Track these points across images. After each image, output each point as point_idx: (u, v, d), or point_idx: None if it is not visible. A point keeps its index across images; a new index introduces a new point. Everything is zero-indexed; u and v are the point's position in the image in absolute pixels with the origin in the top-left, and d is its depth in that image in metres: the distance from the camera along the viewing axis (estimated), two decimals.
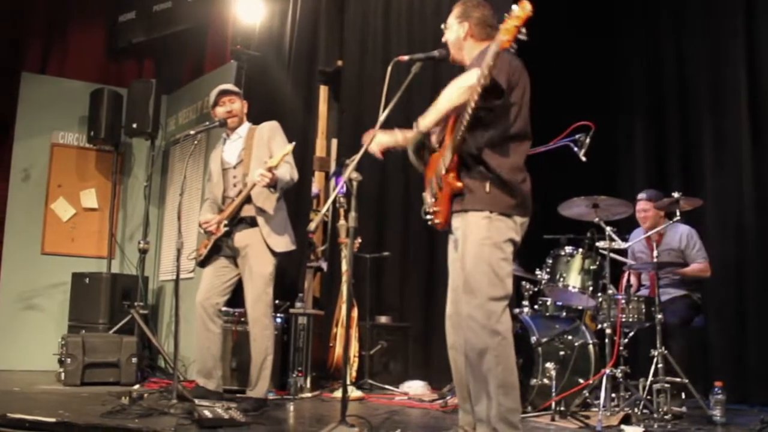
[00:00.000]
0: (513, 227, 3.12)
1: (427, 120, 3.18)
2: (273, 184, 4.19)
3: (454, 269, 3.29)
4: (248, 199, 4.32)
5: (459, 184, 3.15)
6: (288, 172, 4.31)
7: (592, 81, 6.98)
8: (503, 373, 2.99)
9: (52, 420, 3.51)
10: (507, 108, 3.08)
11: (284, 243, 4.38)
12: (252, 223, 4.34)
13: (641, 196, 5.31)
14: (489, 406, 3.02)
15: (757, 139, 5.75)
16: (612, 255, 4.64)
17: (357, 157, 3.21)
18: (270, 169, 4.11)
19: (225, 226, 4.36)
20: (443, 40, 3.36)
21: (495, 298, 3.03)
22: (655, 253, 4.64)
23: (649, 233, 5.06)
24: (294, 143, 4.24)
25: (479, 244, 3.06)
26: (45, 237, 6.76)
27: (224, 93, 4.55)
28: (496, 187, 3.08)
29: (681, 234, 5.17)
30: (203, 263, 4.49)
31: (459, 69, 3.36)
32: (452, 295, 3.31)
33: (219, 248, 4.41)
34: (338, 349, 5.57)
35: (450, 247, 3.32)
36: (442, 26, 3.37)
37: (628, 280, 5.14)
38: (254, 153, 4.38)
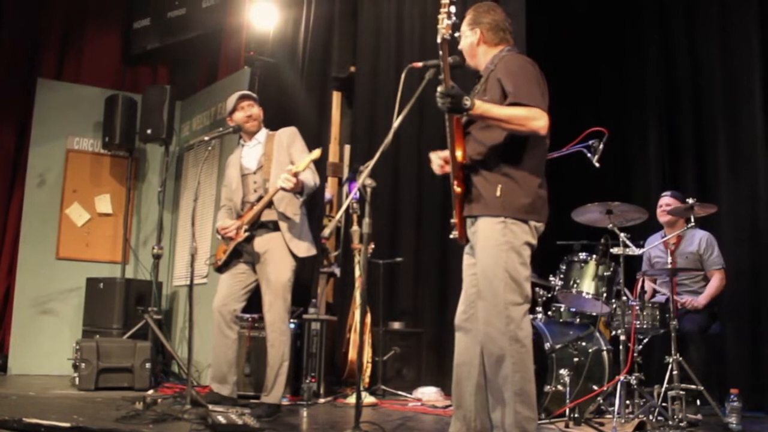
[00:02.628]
0: (528, 231, 3.09)
1: (481, 107, 2.98)
2: (299, 190, 4.22)
3: (468, 276, 3.28)
4: (269, 204, 4.34)
5: (458, 189, 3.14)
6: (311, 177, 4.34)
7: (605, 86, 6.97)
8: (521, 381, 2.97)
9: (67, 425, 3.53)
10: None
11: (306, 248, 4.42)
12: (274, 227, 4.36)
13: (666, 193, 5.31)
14: (504, 413, 3.00)
15: None
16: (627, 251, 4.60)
17: (371, 163, 3.21)
18: (295, 174, 4.13)
19: (245, 231, 4.37)
20: (459, 47, 3.35)
21: (514, 303, 3.01)
22: (669, 259, 4.61)
23: (668, 237, 5.02)
24: (321, 148, 4.27)
25: (495, 249, 3.04)
26: (60, 242, 6.80)
27: (244, 98, 4.58)
28: (510, 192, 3.06)
29: (700, 238, 5.15)
30: (221, 269, 4.51)
31: (474, 74, 3.37)
32: (465, 303, 3.29)
33: (239, 253, 4.42)
34: (352, 355, 5.58)
35: (465, 254, 3.31)
36: (457, 34, 3.37)
37: (642, 286, 5.11)
38: (275, 158, 4.41)
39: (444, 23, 2.87)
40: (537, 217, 3.12)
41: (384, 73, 6.58)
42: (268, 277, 4.33)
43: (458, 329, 3.30)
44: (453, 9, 2.92)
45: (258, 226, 4.39)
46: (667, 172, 6.51)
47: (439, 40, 2.90)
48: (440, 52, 2.92)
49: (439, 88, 2.94)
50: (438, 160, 3.41)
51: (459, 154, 3.15)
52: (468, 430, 3.21)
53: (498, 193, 3.06)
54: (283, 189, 4.18)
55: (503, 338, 2.98)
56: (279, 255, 4.33)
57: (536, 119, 2.97)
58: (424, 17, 6.67)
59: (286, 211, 4.36)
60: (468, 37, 3.30)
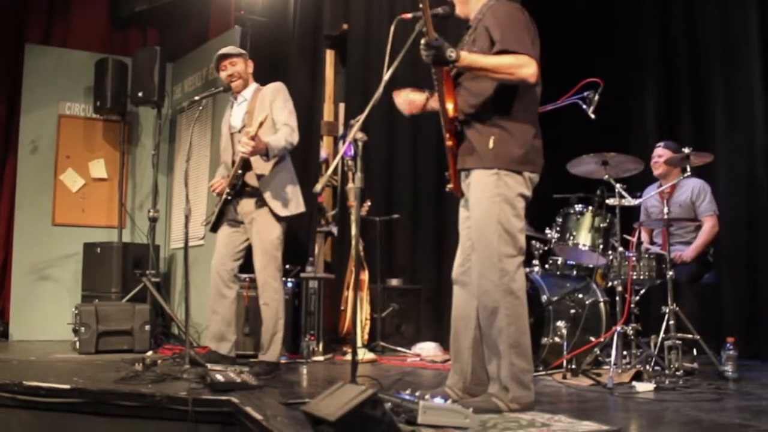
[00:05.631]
0: (522, 182, 3.07)
1: (468, 59, 2.96)
2: (264, 152, 4.15)
3: (463, 229, 3.27)
4: (249, 166, 4.29)
5: (450, 143, 3.12)
6: (284, 136, 4.24)
7: (600, 37, 6.89)
8: (516, 333, 2.98)
9: (67, 387, 3.55)
10: None
11: (289, 207, 4.35)
12: (254, 189, 4.31)
13: (659, 144, 5.28)
14: (500, 365, 3.02)
15: None
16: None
17: (362, 117, 3.18)
18: (253, 138, 4.05)
19: (227, 194, 4.34)
20: None
21: (508, 255, 3.00)
22: (665, 209, 4.60)
23: (663, 188, 5.01)
24: (266, 114, 4.16)
25: (488, 201, 3.03)
26: (55, 208, 6.78)
27: (223, 57, 4.50)
28: (503, 143, 3.03)
29: (693, 187, 5.13)
30: (215, 228, 4.50)
31: (464, 23, 3.32)
32: (461, 257, 3.29)
33: (226, 215, 4.41)
34: (349, 312, 5.60)
35: (460, 208, 3.30)
36: None
37: (639, 237, 5.11)
38: (255, 116, 4.31)
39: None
40: (531, 168, 3.10)
41: (377, 29, 6.51)
42: (256, 237, 4.31)
43: (455, 283, 3.31)
44: None
45: (240, 188, 4.34)
46: (663, 123, 6.48)
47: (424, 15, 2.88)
48: (420, 5, 2.88)
49: (423, 41, 2.91)
50: (402, 100, 3.36)
51: (450, 106, 3.12)
52: (465, 383, 3.23)
53: (491, 145, 3.04)
54: (243, 153, 4.12)
55: (497, 291, 2.99)
56: (263, 216, 4.30)
57: (524, 66, 2.94)
58: None
59: (263, 172, 4.29)
60: None
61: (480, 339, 3.18)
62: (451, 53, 2.91)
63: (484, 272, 3.02)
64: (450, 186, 3.28)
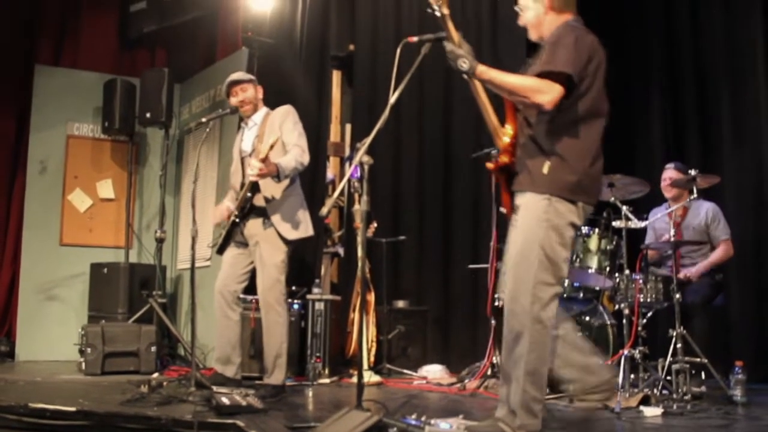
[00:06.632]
0: (574, 211, 2.99)
1: (487, 74, 2.95)
2: (275, 173, 4.15)
3: (509, 250, 3.19)
4: (257, 189, 4.30)
5: (505, 159, 3.07)
6: (294, 158, 4.25)
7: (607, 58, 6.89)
8: (536, 361, 2.92)
9: (72, 409, 3.54)
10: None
11: (299, 230, 4.35)
12: (262, 212, 4.32)
13: (669, 165, 5.26)
14: (513, 390, 2.97)
15: None
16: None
17: (368, 140, 3.19)
18: (263, 160, 4.06)
19: (235, 216, 4.35)
20: (520, 23, 3.26)
21: (545, 283, 2.93)
22: (672, 231, 4.59)
23: (672, 208, 5.00)
24: (278, 136, 4.17)
25: (535, 224, 2.95)
26: (63, 228, 6.80)
27: (234, 83, 4.52)
28: (557, 169, 2.95)
29: (706, 210, 5.12)
30: (221, 250, 4.50)
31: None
32: (506, 278, 3.19)
33: (233, 236, 4.42)
34: (355, 334, 5.58)
35: (510, 228, 3.20)
36: (516, 8, 3.26)
37: (646, 259, 5.08)
38: (265, 139, 4.31)
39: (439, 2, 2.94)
40: (585, 198, 3.01)
41: (383, 50, 6.55)
42: (260, 260, 4.31)
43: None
44: None
45: (248, 210, 4.34)
46: (670, 143, 6.46)
47: (438, 14, 2.94)
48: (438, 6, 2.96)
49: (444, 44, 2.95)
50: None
51: (509, 128, 3.09)
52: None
53: (545, 170, 2.97)
54: (253, 176, 4.12)
55: (526, 316, 2.92)
56: (269, 239, 4.30)
57: (542, 92, 2.89)
58: None
59: (272, 195, 4.30)
60: (533, 9, 3.20)
61: None
62: (462, 63, 2.89)
63: (517, 295, 2.96)
64: (503, 208, 3.24)
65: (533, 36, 3.25)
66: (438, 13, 2.96)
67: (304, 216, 4.42)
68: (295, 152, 4.27)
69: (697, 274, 4.95)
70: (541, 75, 2.92)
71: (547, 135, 3.00)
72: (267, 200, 4.30)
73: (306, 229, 4.41)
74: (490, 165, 3.22)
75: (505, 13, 6.26)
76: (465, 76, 3.00)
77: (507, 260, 3.16)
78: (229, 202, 4.52)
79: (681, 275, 4.81)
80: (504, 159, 3.12)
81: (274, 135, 4.27)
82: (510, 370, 3.01)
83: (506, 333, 3.02)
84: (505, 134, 3.11)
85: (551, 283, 2.95)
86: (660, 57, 6.64)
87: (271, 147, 4.05)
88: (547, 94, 2.89)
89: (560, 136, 2.98)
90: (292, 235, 4.31)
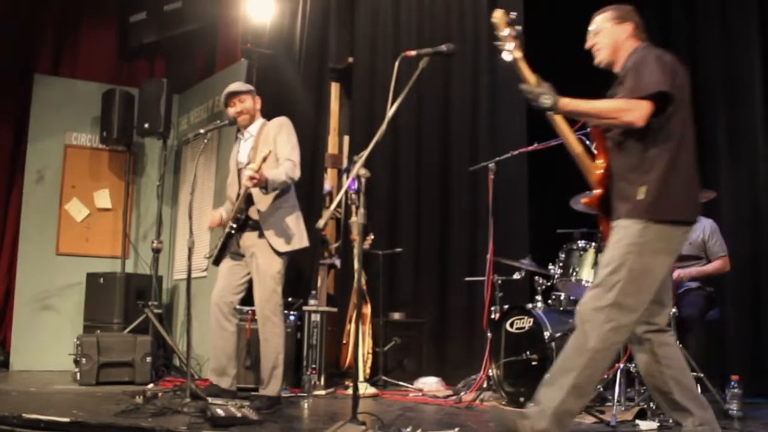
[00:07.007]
0: (672, 234, 2.94)
1: (571, 104, 2.96)
2: (263, 185, 4.15)
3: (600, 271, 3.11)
4: (251, 201, 4.31)
5: (599, 191, 3.05)
6: (285, 171, 4.24)
7: (604, 73, 6.92)
8: (588, 378, 2.88)
9: (66, 420, 3.54)
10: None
11: (292, 242, 4.34)
12: (256, 224, 4.32)
13: None
14: (552, 395, 2.91)
15: None
16: None
17: (365, 153, 3.20)
18: (256, 172, 4.05)
19: (231, 228, 4.35)
20: (587, 46, 3.26)
21: (623, 307, 2.88)
22: None
23: None
24: (270, 150, 4.17)
25: (626, 248, 2.90)
26: (60, 238, 6.79)
27: (233, 94, 4.53)
28: (654, 193, 2.91)
29: (704, 226, 5.13)
30: (217, 261, 4.50)
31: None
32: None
33: (229, 248, 4.42)
34: (351, 346, 5.58)
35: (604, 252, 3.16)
36: (592, 29, 3.26)
37: None
38: (260, 151, 4.30)
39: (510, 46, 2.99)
40: (682, 218, 2.98)
41: (382, 63, 6.57)
42: (257, 271, 4.31)
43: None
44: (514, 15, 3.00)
45: (243, 222, 4.34)
46: None
47: (508, 58, 2.99)
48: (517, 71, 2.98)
49: (521, 86, 2.95)
50: None
51: (600, 160, 3.08)
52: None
53: (641, 195, 2.93)
54: (246, 184, 4.13)
55: (595, 331, 2.87)
56: (264, 250, 4.30)
57: (631, 110, 2.86)
58: (420, 7, 6.66)
59: (264, 207, 4.30)
60: (613, 33, 3.20)
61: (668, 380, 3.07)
62: (545, 100, 2.89)
63: (594, 311, 2.89)
64: (604, 240, 3.18)
65: (603, 60, 3.23)
66: (510, 57, 2.96)
67: (297, 227, 4.41)
68: (286, 166, 4.27)
69: (688, 275, 4.97)
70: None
71: (640, 159, 2.95)
72: (260, 212, 4.30)
73: (300, 240, 4.40)
74: (585, 200, 3.20)
75: None
76: (550, 113, 3.01)
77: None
78: (223, 211, 4.53)
79: (674, 275, 4.82)
80: (598, 191, 3.10)
81: (267, 147, 4.28)
82: (557, 375, 2.95)
83: (573, 340, 2.95)
84: (597, 167, 3.09)
85: (629, 308, 2.89)
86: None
87: (264, 160, 4.06)
88: (636, 111, 2.87)
89: (654, 159, 2.94)
90: (285, 247, 4.31)
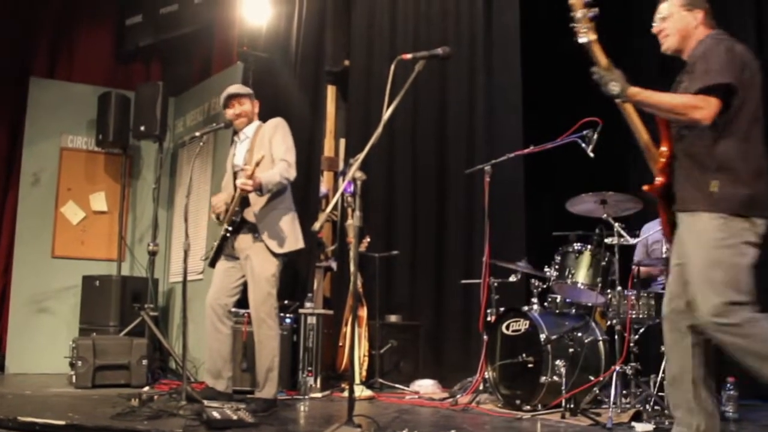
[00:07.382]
0: (750, 228, 2.87)
1: (640, 95, 2.92)
2: (258, 188, 4.15)
3: (675, 272, 3.09)
4: (247, 203, 4.30)
5: (662, 180, 3.02)
6: (279, 171, 4.24)
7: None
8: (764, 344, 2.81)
9: (62, 423, 3.53)
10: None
11: (286, 244, 4.33)
12: (252, 226, 4.32)
13: None
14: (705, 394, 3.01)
15: None
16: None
17: (361, 156, 3.20)
18: (250, 176, 4.06)
19: (226, 230, 4.35)
20: (654, 31, 3.19)
21: (736, 303, 2.83)
22: (664, 248, 4.60)
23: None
24: (263, 154, 4.18)
25: (713, 247, 2.85)
26: (55, 240, 6.79)
27: (232, 97, 4.53)
28: (728, 186, 2.86)
29: None
30: (212, 263, 4.50)
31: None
32: (668, 297, 3.13)
33: (224, 250, 4.41)
34: (347, 349, 5.57)
35: (673, 246, 3.12)
36: (659, 15, 3.16)
37: (638, 276, 5.09)
38: (255, 153, 4.32)
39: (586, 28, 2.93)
40: (760, 212, 2.90)
41: (378, 66, 6.57)
42: (251, 274, 4.30)
43: (665, 322, 3.17)
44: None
45: (239, 224, 4.34)
46: None
47: (583, 41, 2.94)
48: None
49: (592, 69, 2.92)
50: None
51: (664, 148, 3.05)
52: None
53: (715, 188, 2.87)
54: (242, 187, 4.13)
55: (735, 330, 2.83)
56: (259, 253, 4.29)
57: (699, 108, 2.83)
58: (417, 10, 6.66)
59: (259, 209, 4.30)
60: (682, 19, 3.11)
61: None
62: (614, 87, 2.88)
63: (716, 321, 2.85)
64: (662, 229, 3.19)
65: (671, 46, 3.16)
66: (585, 39, 2.95)
67: (293, 229, 4.41)
68: (280, 167, 4.27)
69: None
70: (699, 91, 2.86)
71: (711, 151, 2.91)
72: (255, 214, 4.30)
73: (296, 242, 4.40)
74: (646, 187, 3.16)
75: (499, 28, 6.30)
76: (617, 101, 2.98)
77: (674, 279, 3.06)
78: (225, 196, 4.50)
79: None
80: (661, 180, 3.07)
81: (263, 149, 4.28)
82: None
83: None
84: (661, 155, 3.07)
85: (740, 302, 2.84)
86: (652, 75, 6.67)
87: (257, 164, 4.06)
88: (704, 109, 2.83)
89: (725, 151, 2.89)
90: (281, 249, 4.30)
